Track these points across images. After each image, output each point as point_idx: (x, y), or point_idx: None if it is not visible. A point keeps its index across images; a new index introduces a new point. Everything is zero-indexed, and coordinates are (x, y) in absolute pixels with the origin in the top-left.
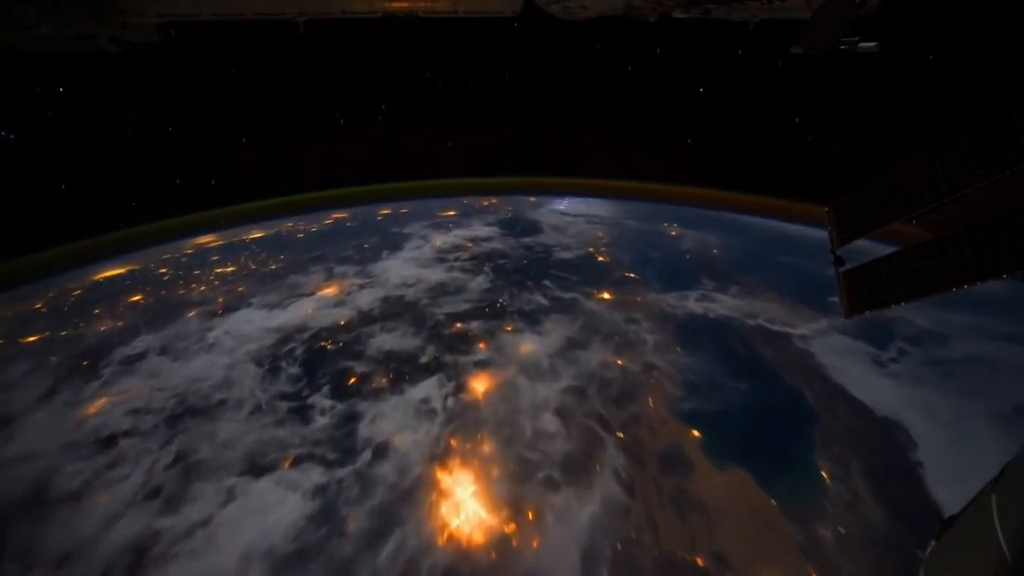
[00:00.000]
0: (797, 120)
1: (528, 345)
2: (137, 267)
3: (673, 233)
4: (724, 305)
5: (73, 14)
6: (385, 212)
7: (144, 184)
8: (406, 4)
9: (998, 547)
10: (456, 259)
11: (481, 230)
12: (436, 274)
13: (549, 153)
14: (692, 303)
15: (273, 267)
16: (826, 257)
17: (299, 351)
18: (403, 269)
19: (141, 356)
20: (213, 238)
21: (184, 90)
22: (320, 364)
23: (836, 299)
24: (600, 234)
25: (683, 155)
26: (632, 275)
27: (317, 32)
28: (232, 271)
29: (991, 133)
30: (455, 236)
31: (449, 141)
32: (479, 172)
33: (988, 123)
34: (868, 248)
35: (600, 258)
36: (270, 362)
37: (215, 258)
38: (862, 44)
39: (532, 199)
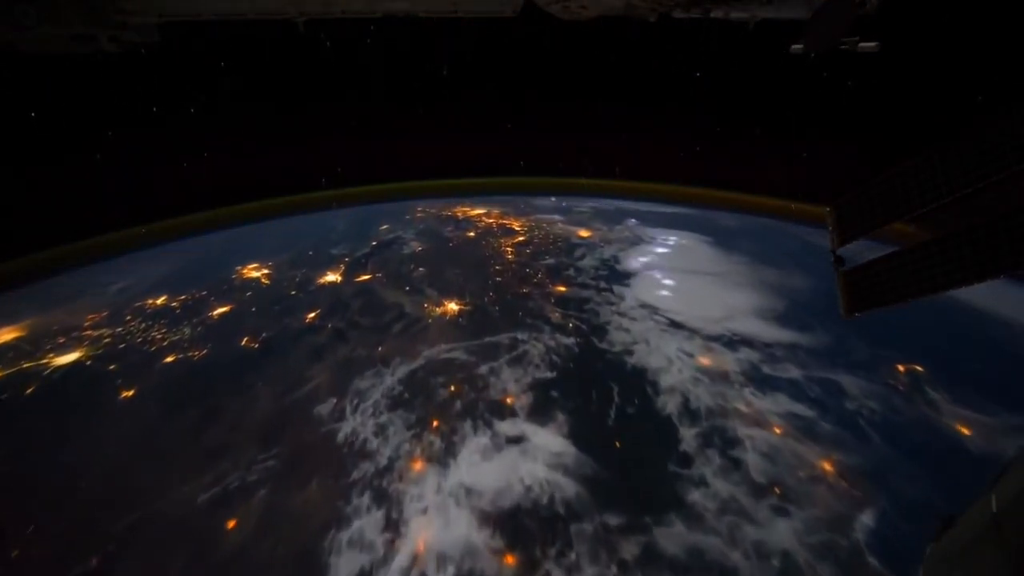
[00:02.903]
0: (796, 121)
1: None
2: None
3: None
4: None
5: (73, 14)
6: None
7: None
8: (406, 4)
9: (998, 547)
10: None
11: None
12: None
13: (551, 153)
14: None
15: None
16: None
17: None
18: None
19: None
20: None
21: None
22: None
23: None
24: None
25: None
26: None
27: (317, 32)
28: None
29: (991, 133)
30: None
31: (449, 141)
32: (479, 172)
33: (988, 123)
34: (868, 248)
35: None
36: None
37: None
38: (862, 44)
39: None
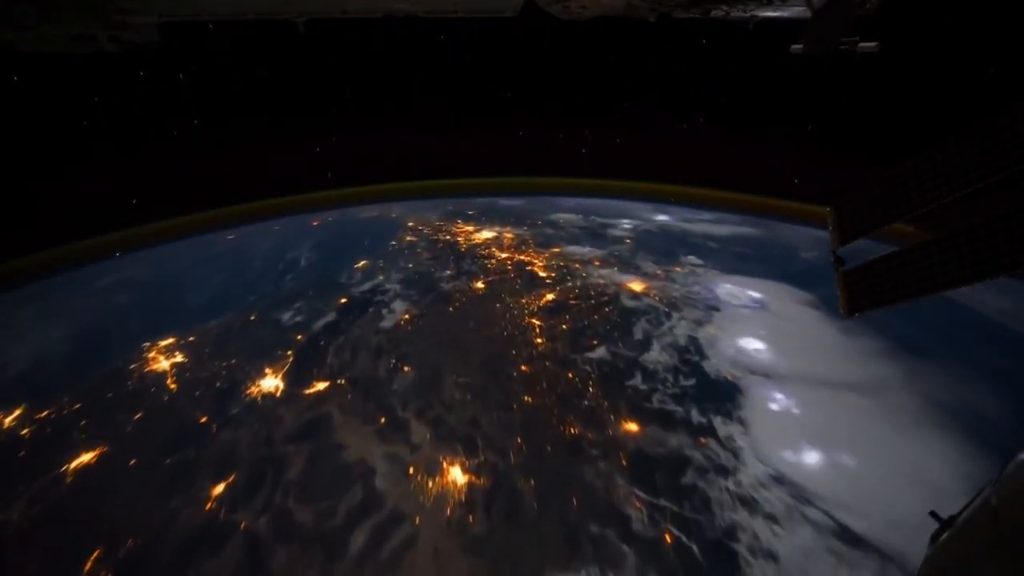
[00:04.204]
0: (796, 120)
1: None
2: None
3: None
4: None
5: (73, 14)
6: None
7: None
8: (406, 4)
9: (998, 547)
10: None
11: None
12: None
13: (555, 153)
14: None
15: None
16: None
17: None
18: None
19: None
20: None
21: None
22: None
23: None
24: None
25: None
26: None
27: (317, 32)
28: None
29: (992, 133)
30: None
31: (449, 141)
32: (479, 173)
33: (988, 123)
34: (868, 248)
35: None
36: None
37: None
38: (862, 44)
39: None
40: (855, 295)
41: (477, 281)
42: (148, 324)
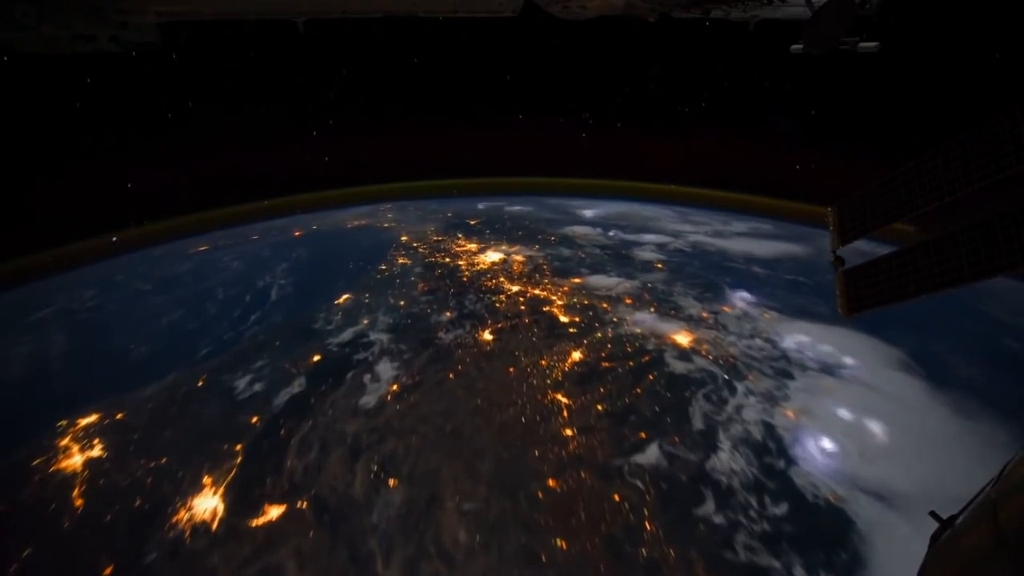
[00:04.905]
0: (798, 120)
1: None
2: None
3: None
4: None
5: (73, 14)
6: None
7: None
8: (406, 4)
9: (998, 547)
10: None
11: None
12: None
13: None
14: None
15: None
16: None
17: None
18: None
19: None
20: None
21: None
22: None
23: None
24: None
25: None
26: None
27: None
28: None
29: (992, 133)
30: None
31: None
32: (479, 173)
33: (989, 123)
34: (868, 248)
35: None
36: None
37: None
38: (862, 44)
39: None
40: (855, 295)
41: (484, 330)
42: (76, 384)
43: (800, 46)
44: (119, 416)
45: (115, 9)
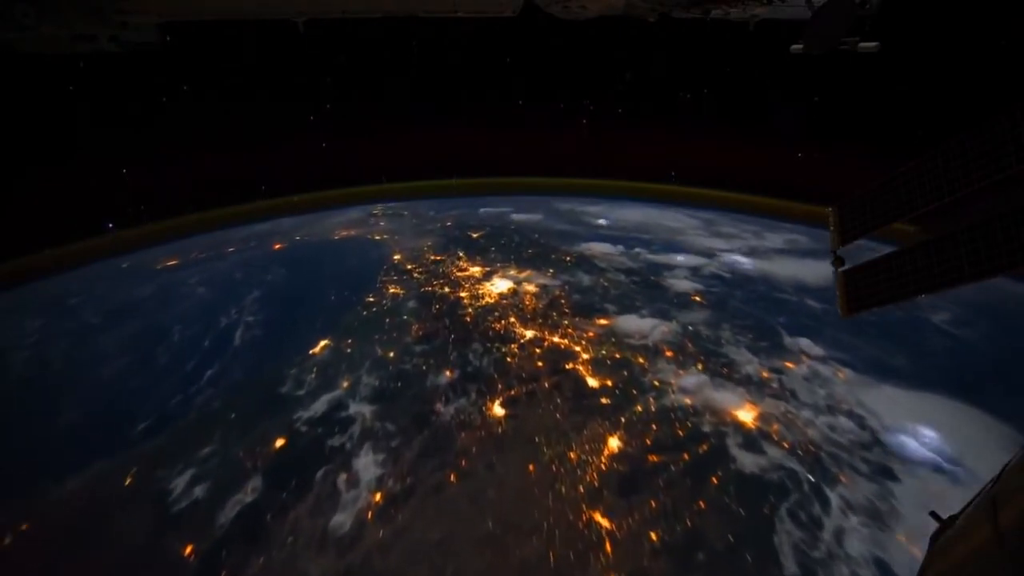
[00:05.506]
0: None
1: None
2: None
3: None
4: None
5: (73, 14)
6: None
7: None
8: (407, 4)
9: (998, 547)
10: None
11: None
12: None
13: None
14: None
15: None
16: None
17: None
18: None
19: None
20: None
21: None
22: None
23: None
24: None
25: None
26: None
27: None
28: None
29: (992, 133)
30: None
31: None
32: (479, 173)
33: (989, 123)
34: (868, 248)
35: None
36: None
37: None
38: (862, 44)
39: None
40: (855, 295)
41: (493, 400)
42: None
43: (800, 46)
44: (24, 527)
45: (115, 9)
